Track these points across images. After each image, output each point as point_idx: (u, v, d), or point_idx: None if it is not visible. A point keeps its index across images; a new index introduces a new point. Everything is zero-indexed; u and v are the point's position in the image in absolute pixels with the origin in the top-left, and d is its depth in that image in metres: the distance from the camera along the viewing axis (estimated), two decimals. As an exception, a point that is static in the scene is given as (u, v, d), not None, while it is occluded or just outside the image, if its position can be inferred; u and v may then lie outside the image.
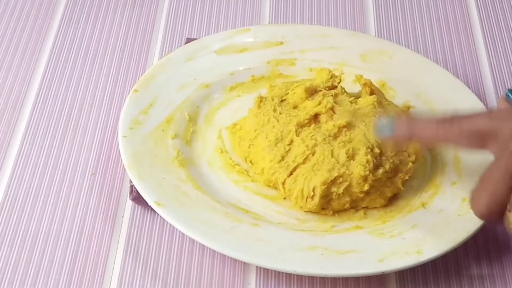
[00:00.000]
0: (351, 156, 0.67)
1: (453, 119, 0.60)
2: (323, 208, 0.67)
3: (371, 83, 0.72)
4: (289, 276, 0.65)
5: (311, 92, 0.72)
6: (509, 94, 0.66)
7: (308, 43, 0.79)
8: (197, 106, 0.74)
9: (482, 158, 0.70)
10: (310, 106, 0.70)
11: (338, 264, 0.62)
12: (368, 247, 0.63)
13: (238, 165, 0.70)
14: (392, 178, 0.68)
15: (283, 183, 0.67)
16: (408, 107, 0.75)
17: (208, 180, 0.69)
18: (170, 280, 0.65)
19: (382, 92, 0.74)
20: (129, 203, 0.70)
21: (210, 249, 0.65)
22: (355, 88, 0.75)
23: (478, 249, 0.68)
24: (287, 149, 0.68)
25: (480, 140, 0.59)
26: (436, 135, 0.61)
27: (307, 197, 0.66)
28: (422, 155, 0.70)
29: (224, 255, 0.65)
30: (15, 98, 0.78)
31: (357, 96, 0.72)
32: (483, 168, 0.69)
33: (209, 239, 0.62)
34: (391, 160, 0.67)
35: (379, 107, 0.71)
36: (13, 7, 0.88)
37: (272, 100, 0.71)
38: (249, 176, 0.70)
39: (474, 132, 0.59)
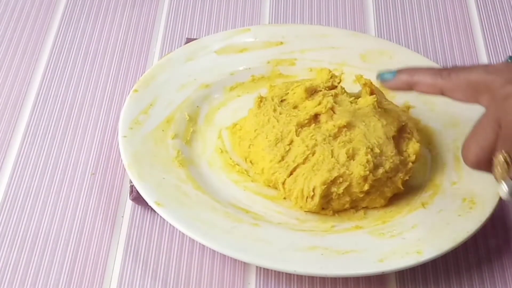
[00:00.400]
0: (351, 156, 0.67)
1: (451, 70, 0.62)
2: (323, 208, 0.67)
3: (371, 83, 0.72)
4: (289, 276, 0.65)
5: (311, 92, 0.72)
6: (510, 61, 0.66)
7: (308, 43, 0.79)
8: (197, 106, 0.74)
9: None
10: (310, 106, 0.70)
11: (338, 264, 0.62)
12: (368, 247, 0.63)
13: (238, 165, 0.70)
14: (392, 178, 0.68)
15: (283, 183, 0.67)
16: (408, 107, 0.75)
17: (208, 180, 0.69)
18: (170, 280, 0.65)
19: (382, 92, 0.74)
20: (129, 203, 0.70)
21: (210, 249, 0.66)
22: (355, 88, 0.75)
23: (478, 249, 0.68)
24: (287, 149, 0.68)
25: (474, 92, 0.60)
26: (434, 84, 0.62)
27: (307, 197, 0.66)
28: (422, 155, 0.70)
29: (224, 255, 0.65)
30: (15, 98, 0.78)
31: (357, 96, 0.72)
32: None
33: (209, 239, 0.62)
34: (391, 160, 0.67)
35: (379, 107, 0.71)
36: (13, 7, 0.88)
37: (272, 100, 0.71)
38: (249, 176, 0.70)
39: (470, 83, 0.60)
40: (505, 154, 0.58)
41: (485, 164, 0.60)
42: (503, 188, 0.59)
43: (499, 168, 0.58)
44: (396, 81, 0.64)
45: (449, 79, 0.61)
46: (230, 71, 0.77)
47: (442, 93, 0.62)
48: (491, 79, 0.59)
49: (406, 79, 0.64)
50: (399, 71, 0.64)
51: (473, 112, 0.73)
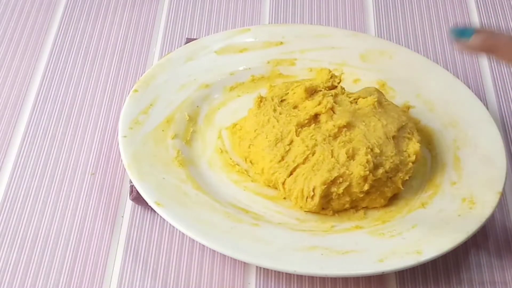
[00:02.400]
0: (351, 156, 0.67)
1: None
2: (323, 208, 0.67)
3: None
4: (289, 276, 0.65)
5: (311, 92, 0.72)
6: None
7: (308, 43, 0.79)
8: (197, 106, 0.74)
9: (482, 157, 0.70)
10: (310, 106, 0.70)
11: (338, 264, 0.62)
12: (368, 247, 0.63)
13: (238, 165, 0.70)
14: (392, 178, 0.68)
15: (283, 183, 0.67)
16: (408, 107, 0.75)
17: (208, 180, 0.69)
18: (170, 280, 0.65)
19: (382, 92, 0.74)
20: (129, 203, 0.70)
21: (210, 249, 0.65)
22: (355, 88, 0.75)
23: (478, 249, 0.68)
24: (287, 149, 0.68)
25: None
26: None
27: (307, 197, 0.66)
28: (422, 155, 0.70)
29: (224, 255, 0.65)
30: (15, 98, 0.78)
31: (357, 96, 0.72)
32: (483, 168, 0.69)
33: (209, 239, 0.62)
34: (391, 160, 0.67)
35: (379, 107, 0.71)
36: (13, 7, 0.88)
37: (272, 100, 0.71)
38: (249, 176, 0.70)
39: None
40: None
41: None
42: None
43: None
44: (475, 42, 0.59)
45: None
46: (230, 71, 0.77)
47: None
48: None
49: (486, 42, 0.59)
50: (477, 32, 0.59)
51: (473, 112, 0.74)
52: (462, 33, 0.60)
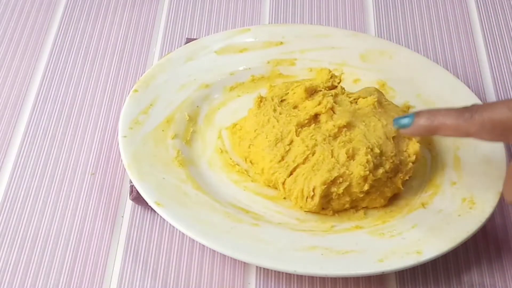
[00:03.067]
0: (351, 156, 0.67)
1: (472, 110, 0.58)
2: (323, 208, 0.67)
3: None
4: (289, 276, 0.65)
5: (311, 92, 0.72)
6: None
7: (308, 43, 0.79)
8: (197, 106, 0.74)
9: (482, 157, 0.70)
10: (310, 106, 0.70)
11: (338, 264, 0.62)
12: (368, 247, 0.63)
13: (238, 165, 0.70)
14: (392, 178, 0.68)
15: (283, 183, 0.67)
16: (408, 107, 0.75)
17: (208, 180, 0.69)
18: (170, 280, 0.65)
19: (382, 92, 0.74)
20: (129, 203, 0.70)
21: (210, 249, 0.66)
22: (355, 88, 0.75)
23: (478, 249, 0.68)
24: (287, 149, 0.68)
25: (501, 131, 0.58)
26: (457, 127, 0.59)
27: (307, 197, 0.66)
28: (422, 155, 0.70)
29: (224, 255, 0.65)
30: (15, 98, 0.78)
31: (357, 96, 0.72)
32: (483, 168, 0.69)
33: (209, 239, 0.62)
34: (391, 160, 0.67)
35: (379, 107, 0.71)
36: (13, 7, 0.88)
37: (272, 100, 0.72)
38: (249, 176, 0.70)
39: (495, 123, 0.58)
40: None
41: None
42: None
43: None
44: (415, 127, 0.61)
45: (472, 121, 0.58)
46: (230, 71, 0.77)
47: (467, 136, 0.59)
48: None
49: (426, 124, 0.60)
50: (416, 115, 0.61)
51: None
52: (400, 121, 0.62)
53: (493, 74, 0.82)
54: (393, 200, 0.68)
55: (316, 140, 0.68)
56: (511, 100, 0.58)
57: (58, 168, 0.72)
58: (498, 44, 0.86)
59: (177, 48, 0.81)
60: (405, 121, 0.61)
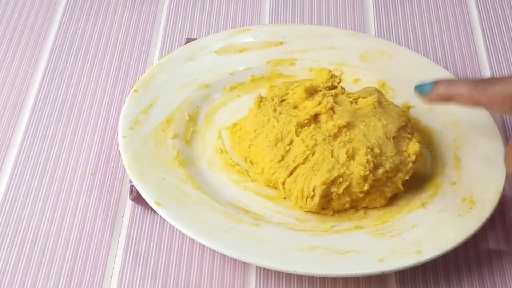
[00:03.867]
0: (351, 156, 0.67)
1: (487, 82, 0.61)
2: (323, 208, 0.67)
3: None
4: (289, 276, 0.65)
5: (311, 92, 0.72)
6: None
7: (308, 43, 0.79)
8: (197, 106, 0.74)
9: (482, 157, 0.70)
10: (310, 106, 0.70)
11: (338, 264, 0.62)
12: (368, 247, 0.63)
13: (238, 165, 0.70)
14: (392, 178, 0.68)
15: (283, 183, 0.67)
16: (408, 107, 0.75)
17: (208, 180, 0.69)
18: (170, 280, 0.65)
19: (382, 92, 0.74)
20: (129, 203, 0.70)
21: (210, 249, 0.66)
22: (355, 88, 0.75)
23: (478, 249, 0.68)
24: (287, 149, 0.68)
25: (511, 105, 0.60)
26: (471, 97, 0.62)
27: (307, 197, 0.66)
28: (422, 155, 0.70)
29: (224, 255, 0.65)
30: (15, 98, 0.78)
31: (357, 96, 0.72)
32: (483, 168, 0.69)
33: (209, 239, 0.62)
34: (391, 160, 0.67)
35: (379, 107, 0.71)
36: (13, 7, 0.88)
37: (272, 100, 0.72)
38: (249, 176, 0.70)
39: (506, 96, 0.60)
40: None
41: None
42: None
43: None
44: (434, 94, 0.64)
45: (485, 92, 0.61)
46: (230, 71, 0.77)
47: (479, 106, 0.62)
48: None
49: (444, 92, 0.64)
50: (436, 83, 0.64)
51: (473, 112, 0.74)
52: (422, 87, 0.65)
53: (493, 74, 0.82)
54: (393, 200, 0.68)
55: (316, 140, 0.68)
56: None
57: (58, 168, 0.72)
58: (498, 44, 0.86)
59: (177, 48, 0.81)
60: (427, 88, 0.65)
